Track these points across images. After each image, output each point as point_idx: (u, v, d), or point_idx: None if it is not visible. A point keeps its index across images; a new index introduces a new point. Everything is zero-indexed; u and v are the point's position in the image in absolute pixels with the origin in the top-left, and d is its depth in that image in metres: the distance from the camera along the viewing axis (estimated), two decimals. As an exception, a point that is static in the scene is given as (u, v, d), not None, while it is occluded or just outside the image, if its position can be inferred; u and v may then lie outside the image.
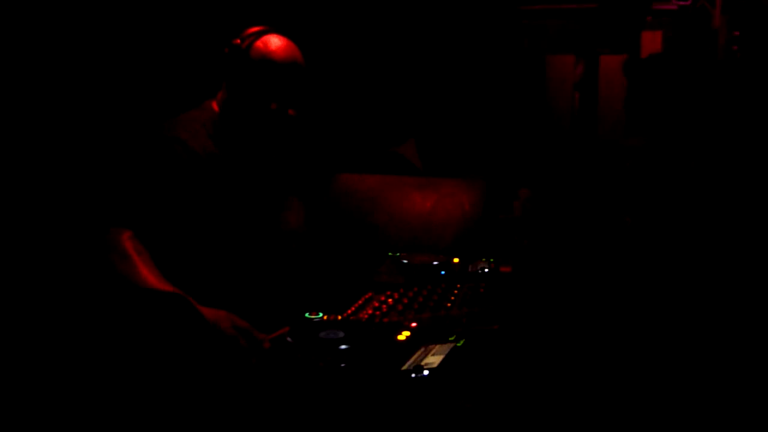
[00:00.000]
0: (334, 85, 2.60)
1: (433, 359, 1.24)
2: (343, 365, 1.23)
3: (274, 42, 1.61)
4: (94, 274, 1.44)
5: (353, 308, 1.54)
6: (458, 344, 1.30)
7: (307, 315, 1.44)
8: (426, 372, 1.19)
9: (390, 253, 1.88)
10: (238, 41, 1.60)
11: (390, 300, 1.57)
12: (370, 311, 1.50)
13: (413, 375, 1.19)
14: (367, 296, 1.62)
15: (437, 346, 1.30)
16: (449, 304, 1.51)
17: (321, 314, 1.44)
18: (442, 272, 1.78)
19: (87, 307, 1.62)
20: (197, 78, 1.90)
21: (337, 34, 2.61)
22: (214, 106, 1.66)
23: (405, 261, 1.82)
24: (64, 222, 1.91)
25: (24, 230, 1.90)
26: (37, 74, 2.01)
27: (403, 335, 1.35)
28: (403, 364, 1.23)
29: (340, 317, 1.45)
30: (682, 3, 2.59)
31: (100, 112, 2.12)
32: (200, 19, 2.30)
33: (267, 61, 1.58)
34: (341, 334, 1.32)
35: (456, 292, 1.61)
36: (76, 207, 1.91)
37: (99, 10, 2.12)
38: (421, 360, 1.25)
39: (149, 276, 1.37)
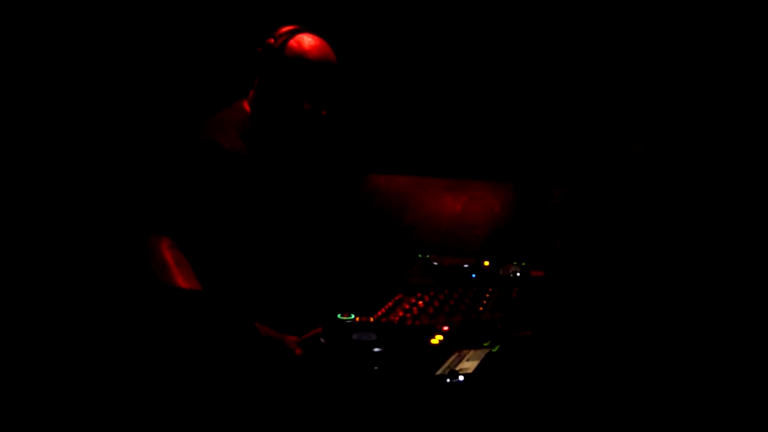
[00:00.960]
0: (365, 84, 2.59)
1: (468, 365, 1.23)
2: (376, 368, 1.22)
3: (308, 41, 1.60)
4: (133, 281, 1.45)
5: (384, 310, 1.54)
6: (493, 350, 1.29)
7: (339, 316, 1.43)
8: (461, 378, 1.18)
9: (420, 255, 1.87)
10: (272, 40, 1.59)
11: (420, 302, 1.57)
12: (401, 313, 1.49)
13: (448, 380, 1.18)
14: (397, 298, 1.61)
15: (471, 351, 1.29)
16: (481, 308, 1.50)
17: (353, 316, 1.44)
18: (473, 275, 1.78)
19: (125, 312, 1.62)
20: (228, 78, 1.90)
21: (368, 33, 2.60)
22: (246, 106, 1.66)
23: (435, 263, 1.81)
24: (103, 230, 1.92)
25: (61, 237, 1.91)
26: (72, 79, 2.02)
27: (436, 339, 1.34)
28: (437, 369, 1.22)
29: (372, 319, 1.44)
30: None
31: (132, 113, 2.13)
32: (232, 19, 2.30)
33: (301, 60, 1.57)
34: (374, 337, 1.31)
35: (488, 295, 1.60)
36: (114, 214, 1.92)
37: (134, 11, 2.13)
38: (456, 365, 1.23)
39: (189, 287, 1.36)
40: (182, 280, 1.37)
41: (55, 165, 1.97)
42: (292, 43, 1.59)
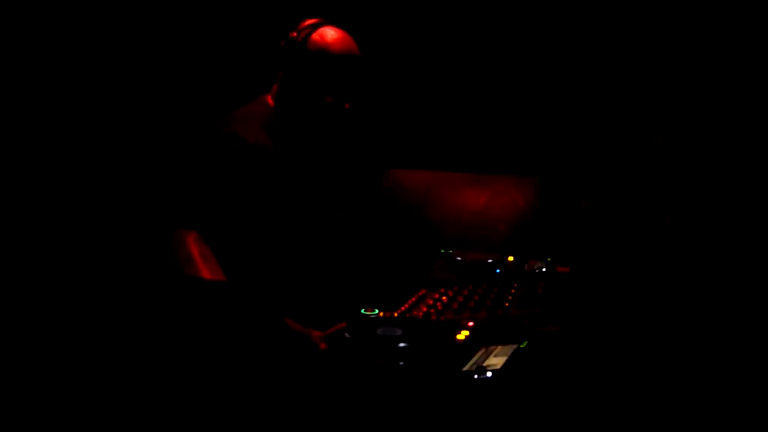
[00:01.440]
0: (386, 79, 2.58)
1: (496, 360, 1.21)
2: (402, 363, 1.20)
3: (331, 34, 1.60)
4: (161, 276, 1.45)
5: (407, 305, 1.52)
6: (521, 345, 1.27)
7: (363, 311, 1.42)
8: (489, 374, 1.16)
9: (443, 250, 1.86)
10: (294, 34, 1.59)
11: (444, 298, 1.55)
12: (425, 309, 1.48)
13: (476, 376, 1.16)
14: (420, 293, 1.60)
15: (498, 347, 1.27)
16: (507, 304, 1.48)
17: (377, 311, 1.42)
18: (497, 270, 1.76)
19: (152, 303, 1.62)
20: (251, 72, 1.90)
21: (391, 27, 2.59)
22: (269, 100, 1.66)
23: (458, 258, 1.80)
24: (128, 224, 1.93)
25: (86, 232, 1.92)
26: (96, 75, 2.03)
27: (462, 335, 1.32)
28: (464, 365, 1.20)
29: (396, 314, 1.43)
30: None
31: (157, 108, 2.14)
32: (256, 12, 2.30)
33: (324, 53, 1.57)
34: (399, 332, 1.29)
35: (513, 291, 1.58)
36: (139, 209, 1.93)
37: (162, 7, 2.14)
38: (483, 361, 1.22)
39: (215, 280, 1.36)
40: (208, 272, 1.37)
41: (81, 160, 1.98)
42: (315, 36, 1.59)
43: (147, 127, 2.11)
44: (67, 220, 1.89)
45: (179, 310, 1.31)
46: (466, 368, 1.19)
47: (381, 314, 1.42)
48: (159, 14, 2.16)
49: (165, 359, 1.41)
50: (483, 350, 1.26)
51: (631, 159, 2.33)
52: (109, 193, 1.99)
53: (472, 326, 1.36)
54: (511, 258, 1.82)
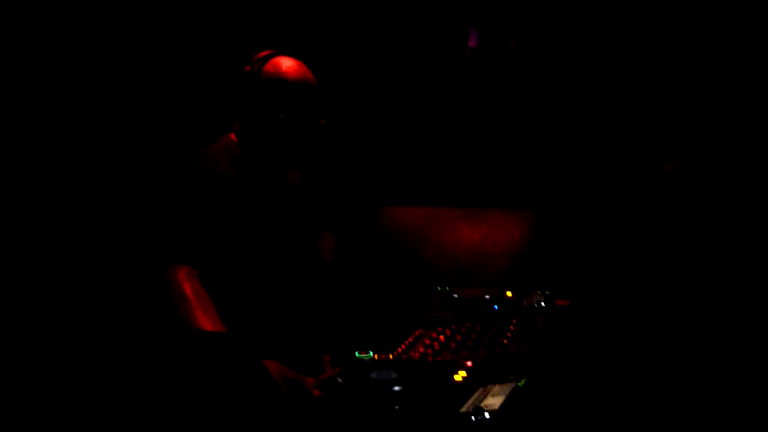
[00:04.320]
0: (377, 115, 2.60)
1: (494, 400, 1.19)
2: (397, 407, 1.19)
3: (284, 63, 1.64)
4: (151, 314, 1.44)
5: (404, 346, 1.51)
6: (519, 384, 1.25)
7: (357, 354, 1.41)
8: (487, 414, 1.14)
9: (439, 288, 1.85)
10: (249, 67, 1.63)
11: (442, 337, 1.53)
12: (421, 349, 1.46)
13: (473, 418, 1.14)
14: (417, 333, 1.58)
15: (496, 387, 1.25)
16: (506, 341, 1.46)
17: (371, 353, 1.41)
18: (495, 307, 1.75)
19: (140, 345, 1.61)
20: (211, 113, 1.92)
21: (379, 62, 2.62)
22: (233, 137, 1.70)
23: (455, 295, 1.79)
24: (116, 263, 1.93)
25: (77, 271, 1.92)
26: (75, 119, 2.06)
27: (460, 375, 1.30)
28: (462, 406, 1.18)
29: (391, 356, 1.41)
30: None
31: (129, 150, 2.16)
32: (209, 52, 2.34)
33: (278, 80, 1.61)
34: (394, 375, 1.28)
35: (512, 327, 1.57)
36: (125, 247, 1.93)
37: (124, 52, 2.18)
38: (481, 401, 1.20)
39: (206, 321, 1.36)
40: (201, 312, 1.37)
41: (67, 200, 1.99)
42: (268, 66, 1.62)
43: (122, 168, 2.13)
44: (53, 260, 1.89)
45: (174, 362, 1.30)
46: (463, 410, 1.17)
47: (376, 357, 1.40)
48: (129, 61, 2.20)
49: (160, 408, 1.39)
50: (481, 390, 1.24)
51: (634, 186, 2.33)
52: (94, 232, 1.99)
53: (470, 366, 1.34)
54: (509, 293, 1.81)
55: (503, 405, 1.17)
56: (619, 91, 2.59)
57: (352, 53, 2.47)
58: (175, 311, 1.37)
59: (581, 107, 2.62)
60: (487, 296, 1.78)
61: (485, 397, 1.21)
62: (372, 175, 2.44)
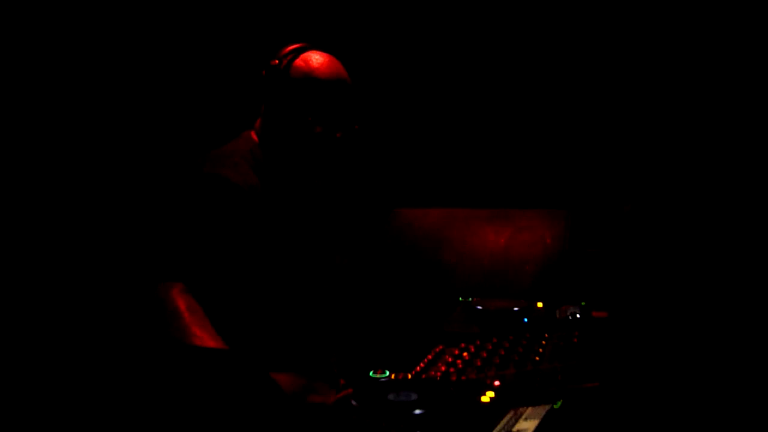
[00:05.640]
0: (390, 109, 2.63)
1: (527, 424, 1.24)
2: (419, 433, 1.23)
3: (316, 59, 1.65)
4: (145, 331, 1.50)
5: (423, 364, 1.55)
6: (555, 405, 1.29)
7: (372, 374, 1.45)
8: (519, 440, 1.19)
9: (461, 299, 1.88)
10: (276, 61, 1.65)
11: (465, 354, 1.57)
12: (443, 368, 1.50)
13: (505, 443, 1.19)
14: (437, 350, 1.62)
15: (529, 409, 1.29)
16: (538, 358, 1.51)
17: (387, 372, 1.45)
18: (525, 319, 1.78)
19: (138, 363, 1.66)
20: (233, 107, 1.95)
21: (398, 53, 2.66)
22: (254, 135, 1.72)
23: (479, 307, 1.82)
24: (110, 279, 1.98)
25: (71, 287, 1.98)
26: (72, 121, 2.11)
27: (487, 396, 1.34)
28: (492, 431, 1.22)
29: (410, 375, 1.45)
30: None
31: (135, 150, 2.20)
32: (235, 42, 2.38)
33: (309, 79, 1.63)
34: (414, 396, 1.32)
35: (544, 342, 1.61)
36: (120, 262, 1.98)
37: (137, 44, 2.22)
38: (512, 426, 1.24)
39: (205, 337, 1.41)
40: (197, 329, 1.41)
41: (61, 211, 2.04)
42: (299, 62, 1.64)
43: (126, 171, 2.17)
44: (50, 274, 1.95)
45: (173, 379, 1.36)
46: (493, 435, 1.21)
47: (393, 376, 1.44)
48: (143, 51, 2.24)
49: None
50: (511, 413, 1.28)
51: (676, 175, 2.36)
52: (91, 245, 2.04)
53: (498, 386, 1.39)
54: (540, 304, 1.84)
55: (537, 429, 1.21)
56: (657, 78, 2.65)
57: (373, 46, 2.51)
58: (170, 329, 1.43)
59: (616, 94, 2.66)
60: (515, 308, 1.81)
61: (517, 420, 1.25)
62: (383, 174, 2.49)
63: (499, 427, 1.24)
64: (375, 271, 2.00)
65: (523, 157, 2.69)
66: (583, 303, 1.82)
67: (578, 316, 1.76)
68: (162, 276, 1.49)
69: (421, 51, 2.71)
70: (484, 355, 1.55)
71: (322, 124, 1.64)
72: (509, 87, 2.74)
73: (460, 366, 1.50)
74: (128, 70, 2.25)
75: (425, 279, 2.07)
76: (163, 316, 1.44)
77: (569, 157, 2.63)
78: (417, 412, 1.27)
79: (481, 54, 2.76)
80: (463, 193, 2.56)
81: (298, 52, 1.66)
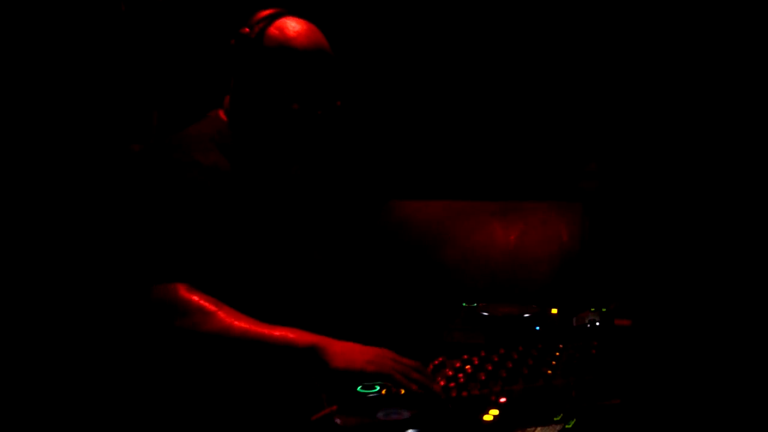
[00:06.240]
0: (384, 88, 2.62)
1: (535, 448, 1.22)
2: (412, 457, 1.21)
3: (292, 26, 1.63)
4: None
5: (419, 378, 1.54)
6: (568, 426, 1.27)
7: (359, 388, 1.43)
8: (527, 466, 1.17)
9: (464, 304, 1.87)
10: (247, 29, 1.63)
11: (468, 366, 1.57)
12: (442, 382, 1.49)
13: (509, 470, 1.16)
14: (436, 362, 1.61)
15: (538, 429, 1.28)
16: (550, 371, 1.49)
17: (377, 387, 1.43)
18: (537, 327, 1.78)
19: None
20: (197, 84, 1.93)
21: (397, 30, 2.65)
22: (222, 115, 1.70)
23: (485, 313, 1.81)
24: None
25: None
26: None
27: (491, 415, 1.33)
28: (495, 455, 1.21)
29: (402, 391, 1.43)
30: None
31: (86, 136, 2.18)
32: (197, 8, 2.34)
33: (285, 49, 1.61)
34: (407, 414, 1.30)
35: (557, 354, 1.60)
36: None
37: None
38: (519, 449, 1.23)
39: (253, 325, 1.44)
40: (241, 322, 1.45)
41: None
42: (273, 30, 1.62)
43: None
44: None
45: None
46: (496, 460, 1.19)
47: (384, 391, 1.42)
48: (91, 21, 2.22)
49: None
50: (519, 434, 1.27)
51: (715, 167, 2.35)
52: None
53: (503, 403, 1.37)
54: (554, 310, 1.83)
55: (547, 453, 1.20)
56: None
57: (357, 9, 2.50)
58: (205, 331, 1.44)
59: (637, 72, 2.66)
60: (525, 314, 1.80)
61: (524, 443, 1.24)
62: (376, 160, 2.47)
63: (503, 450, 1.24)
64: (366, 271, 1.99)
65: (535, 141, 2.66)
66: (603, 309, 1.80)
67: (598, 324, 1.76)
68: (159, 278, 1.47)
69: (418, 14, 2.68)
70: (489, 367, 1.54)
71: (299, 101, 1.62)
72: (521, 60, 2.72)
73: (462, 380, 1.49)
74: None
75: (423, 281, 2.09)
76: (191, 320, 1.44)
77: (587, 140, 2.61)
78: (410, 432, 1.29)
79: (489, 24, 2.74)
80: (467, 182, 2.54)
81: (271, 19, 1.64)
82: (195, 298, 1.45)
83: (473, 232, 2.10)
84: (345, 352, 1.42)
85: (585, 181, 2.36)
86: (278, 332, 1.44)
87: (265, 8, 1.65)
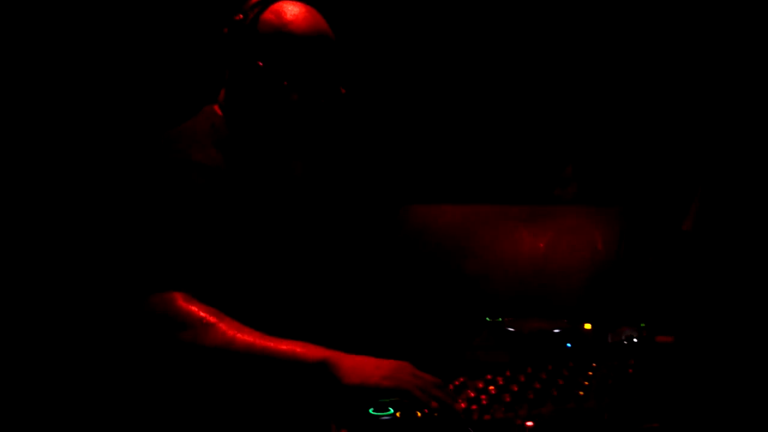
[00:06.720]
0: (403, 88, 2.62)
1: (566, 477, 1.21)
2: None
3: (290, 10, 1.64)
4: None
5: (438, 400, 1.55)
6: None
7: (372, 411, 1.41)
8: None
9: (488, 318, 1.87)
10: (240, 16, 1.64)
11: (492, 387, 1.56)
12: (464, 404, 1.47)
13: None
14: (457, 382, 1.61)
15: None
16: (582, 393, 1.47)
17: (392, 410, 1.42)
18: (568, 344, 1.78)
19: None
20: (189, 78, 1.93)
21: (420, 29, 2.66)
22: (217, 109, 1.71)
23: (511, 329, 1.82)
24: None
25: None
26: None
27: None
28: (521, 486, 1.20)
29: (419, 414, 1.42)
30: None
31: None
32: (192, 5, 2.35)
33: (282, 34, 1.61)
34: None
35: (590, 374, 1.58)
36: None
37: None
38: (547, 479, 1.22)
39: (258, 339, 1.42)
40: (245, 335, 1.43)
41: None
42: (268, 14, 1.63)
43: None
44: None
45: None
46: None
47: (398, 414, 1.41)
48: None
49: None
50: (547, 462, 1.27)
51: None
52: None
53: (531, 427, 1.36)
54: (587, 325, 1.82)
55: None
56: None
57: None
58: (209, 346, 1.43)
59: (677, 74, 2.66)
60: (556, 330, 1.80)
61: (554, 472, 1.24)
62: (391, 161, 2.46)
63: (531, 480, 1.23)
64: (379, 282, 1.99)
65: (566, 141, 2.66)
66: (642, 324, 1.79)
67: (635, 340, 1.75)
68: (149, 288, 1.46)
69: (418, 14, 2.70)
70: (515, 388, 1.53)
71: (299, 90, 1.62)
72: (547, 56, 2.73)
73: (485, 402, 1.48)
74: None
75: (443, 293, 2.05)
76: (196, 333, 1.43)
77: (627, 141, 2.60)
78: (428, 459, 1.28)
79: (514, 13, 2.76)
80: (491, 186, 2.53)
81: (267, 3, 1.65)
82: (194, 308, 1.44)
83: (498, 240, 2.08)
84: (358, 367, 1.40)
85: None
86: (285, 346, 1.43)
87: None
